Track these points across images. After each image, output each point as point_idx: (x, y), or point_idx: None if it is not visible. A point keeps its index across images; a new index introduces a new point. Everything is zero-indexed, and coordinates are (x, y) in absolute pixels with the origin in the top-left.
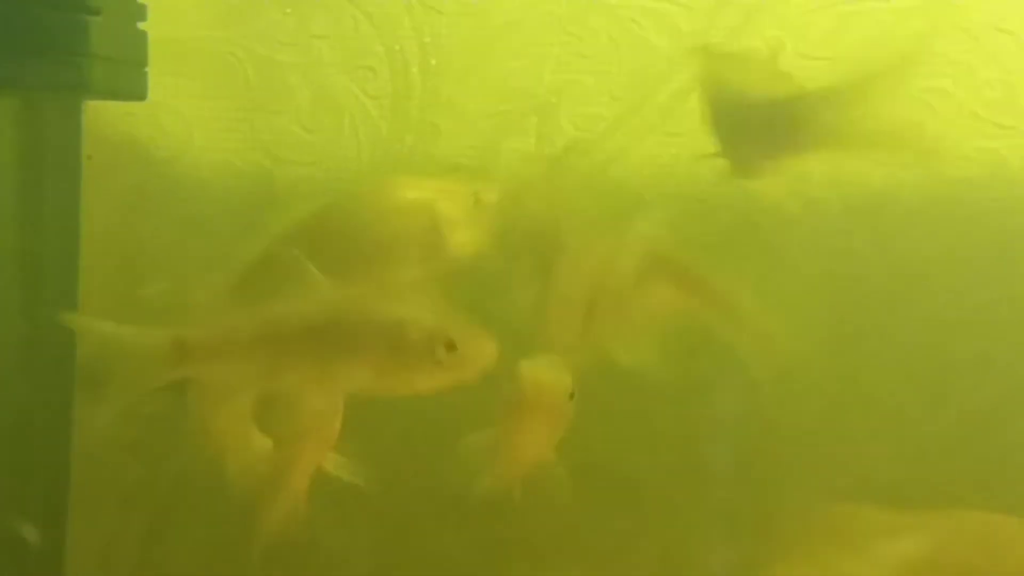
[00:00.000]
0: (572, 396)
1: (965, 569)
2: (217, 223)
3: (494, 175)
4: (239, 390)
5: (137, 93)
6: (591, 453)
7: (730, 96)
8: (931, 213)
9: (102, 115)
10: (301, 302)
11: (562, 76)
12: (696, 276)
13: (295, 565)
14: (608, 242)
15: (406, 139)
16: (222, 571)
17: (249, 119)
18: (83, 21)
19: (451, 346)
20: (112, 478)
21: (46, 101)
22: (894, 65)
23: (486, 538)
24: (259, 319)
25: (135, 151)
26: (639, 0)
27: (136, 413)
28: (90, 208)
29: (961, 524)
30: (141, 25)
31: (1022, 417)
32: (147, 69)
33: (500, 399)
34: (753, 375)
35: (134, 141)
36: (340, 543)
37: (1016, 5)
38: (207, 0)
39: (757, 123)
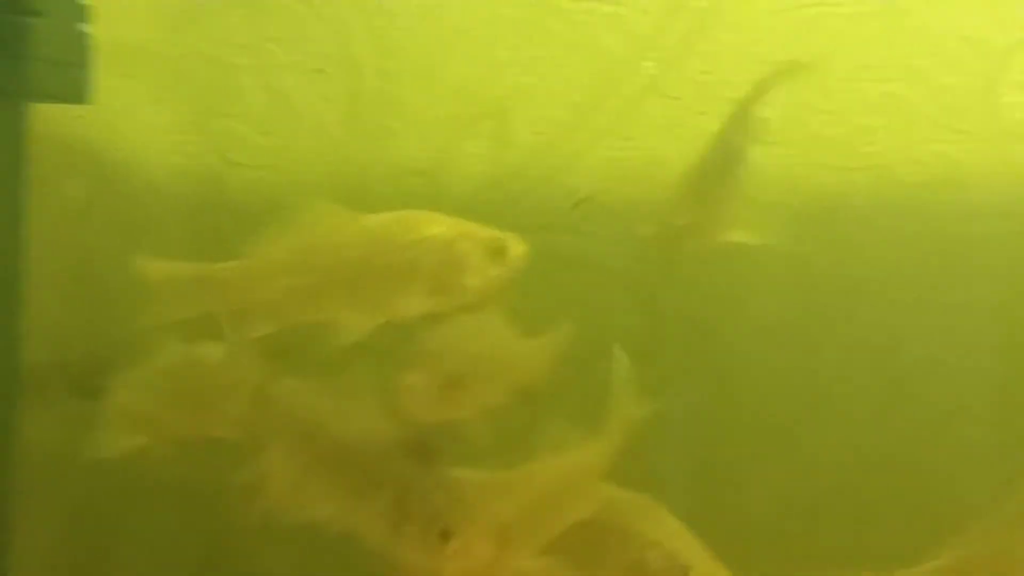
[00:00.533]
0: None
1: None
2: (170, 228)
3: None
4: None
5: (79, 96)
6: None
7: None
8: (884, 217)
9: (50, 119)
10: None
11: (517, 79)
12: None
13: None
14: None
15: (360, 142)
16: None
17: (202, 122)
18: (23, 23)
19: (445, 536)
20: (57, 490)
21: None
22: None
23: None
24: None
25: (84, 156)
26: (594, 4)
27: (81, 423)
28: (36, 214)
29: None
30: (84, 27)
31: (975, 420)
32: (88, 71)
33: None
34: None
35: (84, 145)
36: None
37: (973, 12)
38: (158, 2)
39: None
